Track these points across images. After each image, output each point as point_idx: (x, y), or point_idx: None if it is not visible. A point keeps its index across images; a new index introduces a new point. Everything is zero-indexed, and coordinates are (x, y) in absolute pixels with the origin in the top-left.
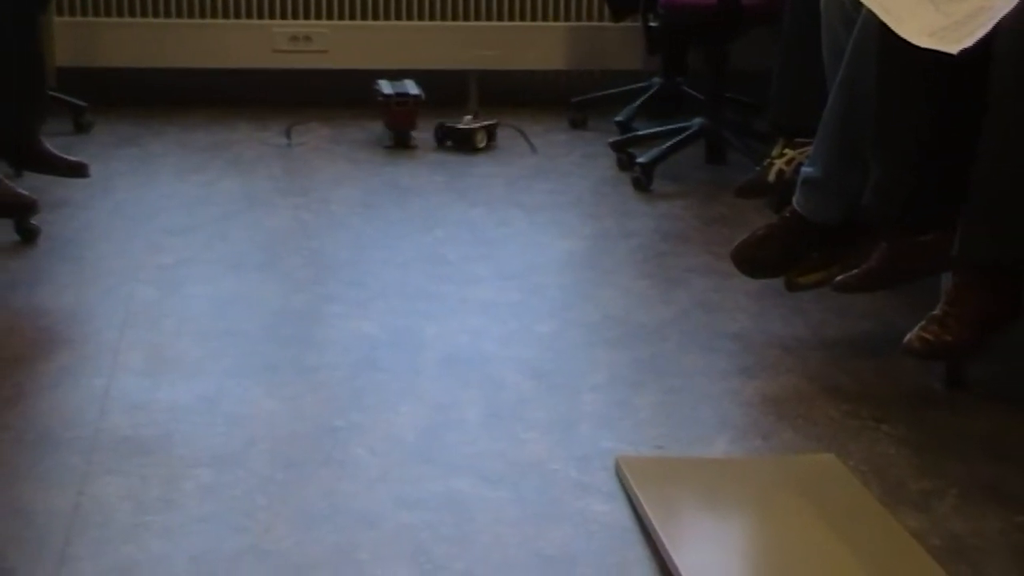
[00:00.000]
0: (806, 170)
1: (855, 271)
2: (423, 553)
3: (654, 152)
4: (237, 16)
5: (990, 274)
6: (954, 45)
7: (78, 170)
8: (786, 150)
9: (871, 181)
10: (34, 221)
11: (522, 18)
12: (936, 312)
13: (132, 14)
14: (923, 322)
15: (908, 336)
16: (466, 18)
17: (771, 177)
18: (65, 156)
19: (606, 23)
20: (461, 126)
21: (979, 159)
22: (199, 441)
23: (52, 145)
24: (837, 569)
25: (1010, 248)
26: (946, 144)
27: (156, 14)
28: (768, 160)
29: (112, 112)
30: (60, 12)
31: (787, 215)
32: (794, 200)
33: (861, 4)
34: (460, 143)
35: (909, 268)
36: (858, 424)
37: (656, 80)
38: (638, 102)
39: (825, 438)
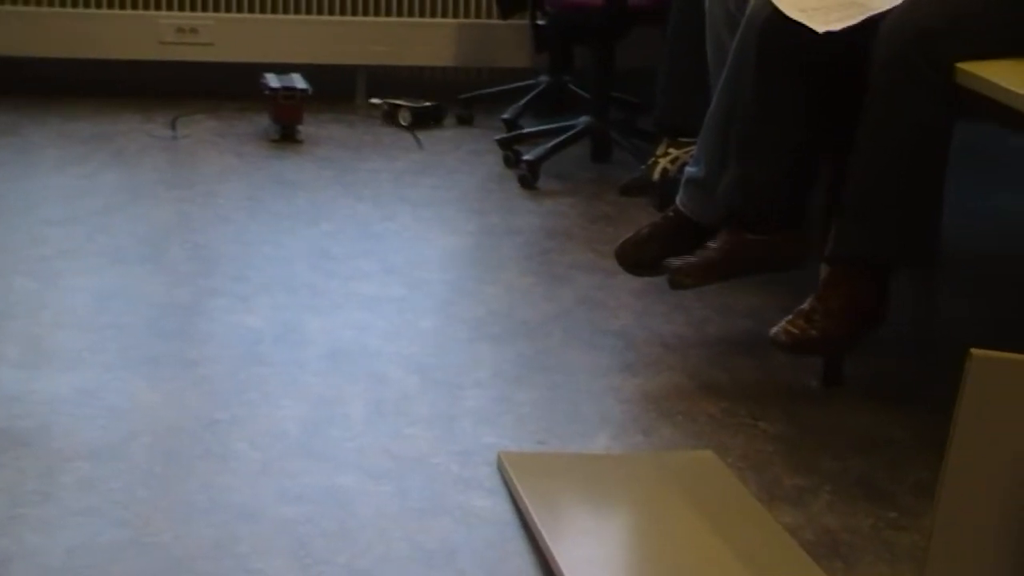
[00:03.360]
0: (689, 170)
1: (693, 259)
2: (303, 547)
3: (540, 150)
4: (123, 7)
5: (860, 272)
6: (821, 25)
7: None
8: (670, 149)
9: (729, 176)
10: None
11: (411, 14)
12: (804, 306)
13: (15, 2)
14: (790, 316)
15: (775, 329)
16: (355, 13)
17: (655, 176)
18: None
19: (494, 20)
20: (396, 101)
21: (853, 159)
22: (77, 434)
23: None
24: (713, 563)
25: (881, 245)
26: (807, 148)
27: (40, 2)
28: (652, 159)
29: None
30: None
31: (671, 214)
32: (677, 199)
33: (743, 5)
34: (387, 116)
35: (747, 264)
36: (736, 421)
37: (543, 78)
38: (525, 100)
39: (704, 435)
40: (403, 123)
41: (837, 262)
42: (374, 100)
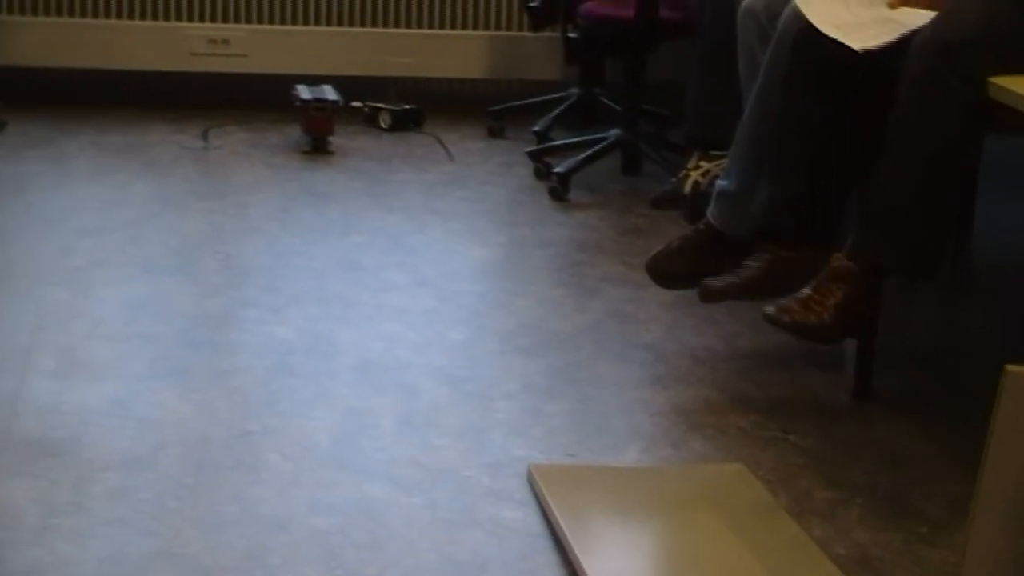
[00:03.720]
0: (721, 183)
1: (731, 278)
2: (334, 558)
3: (571, 162)
4: (155, 18)
5: (866, 276)
6: (857, 42)
7: None
8: (701, 162)
9: (763, 193)
10: None
11: (441, 26)
12: (803, 293)
13: (48, 13)
14: (788, 299)
15: (769, 308)
16: (386, 25)
17: (686, 189)
18: None
19: (525, 33)
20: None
21: (878, 169)
22: (109, 444)
23: None
24: None
25: (899, 256)
26: (838, 165)
27: (73, 13)
28: (684, 172)
29: (26, 112)
30: None
31: (701, 227)
32: (708, 212)
33: (775, 18)
34: (368, 119)
35: (788, 281)
36: (767, 435)
37: (574, 91)
38: (556, 112)
39: (734, 448)
40: (383, 125)
41: (856, 263)
42: (355, 103)
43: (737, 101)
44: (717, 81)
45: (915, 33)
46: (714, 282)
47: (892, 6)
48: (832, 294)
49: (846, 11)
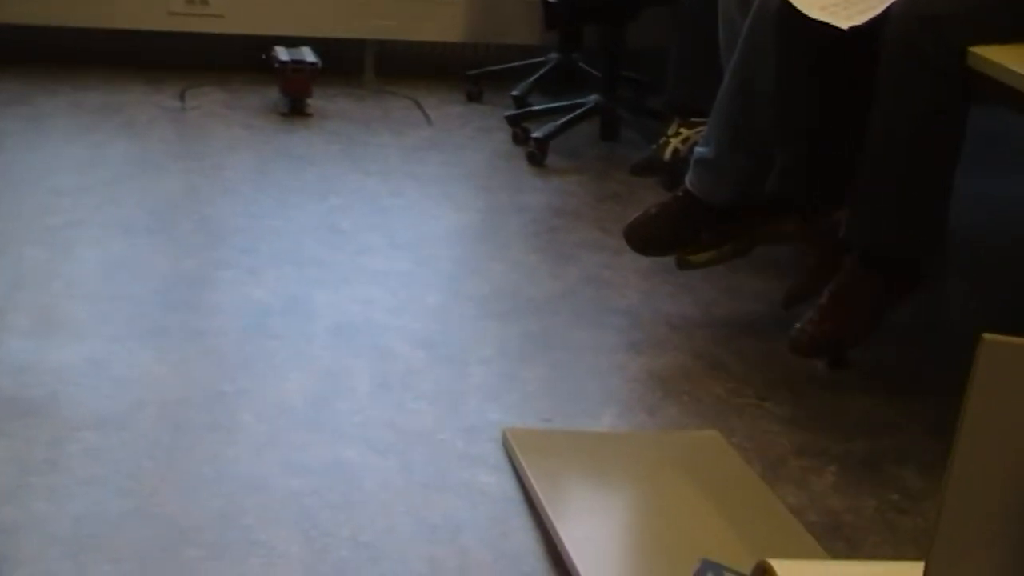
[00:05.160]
0: (699, 150)
1: (803, 279)
2: (308, 519)
3: (549, 127)
4: None
5: (878, 265)
6: (844, 21)
7: None
8: (681, 129)
9: (777, 167)
10: None
11: None
12: (822, 301)
13: None
14: (810, 313)
15: (794, 332)
16: None
17: (666, 156)
18: None
19: None
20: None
21: (864, 144)
22: (85, 403)
23: None
24: (717, 543)
25: (887, 234)
26: (839, 126)
27: None
28: (663, 139)
29: (2, 70)
30: None
31: (679, 194)
32: (687, 179)
33: None
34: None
35: (763, 239)
36: (742, 402)
37: (553, 56)
38: (534, 77)
39: (709, 415)
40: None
41: (848, 250)
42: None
43: (718, 68)
44: (698, 48)
45: (896, 3)
46: (792, 291)
47: None
48: (849, 298)
49: None
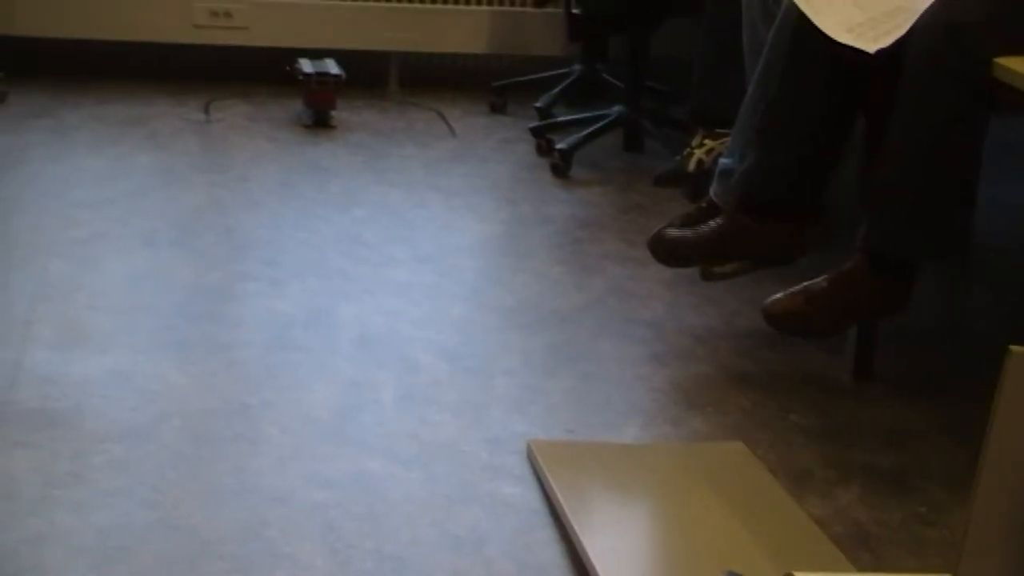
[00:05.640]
0: (724, 161)
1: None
2: (332, 531)
3: (573, 139)
4: None
5: (881, 266)
6: (871, 44)
7: None
8: (705, 140)
9: (747, 163)
10: None
11: (444, 1)
12: (811, 283)
13: None
14: (794, 288)
15: (771, 299)
16: None
17: (690, 167)
18: None
19: (528, 8)
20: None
21: (883, 152)
22: (110, 415)
23: None
24: (742, 555)
25: (909, 239)
26: (826, 142)
27: None
28: (688, 150)
29: (27, 82)
30: None
31: (703, 205)
32: (711, 190)
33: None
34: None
35: (740, 248)
36: (766, 413)
37: (576, 67)
38: (558, 88)
39: (734, 426)
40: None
41: (865, 253)
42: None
43: (742, 79)
44: (721, 58)
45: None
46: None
47: None
48: (844, 291)
49: (853, 6)
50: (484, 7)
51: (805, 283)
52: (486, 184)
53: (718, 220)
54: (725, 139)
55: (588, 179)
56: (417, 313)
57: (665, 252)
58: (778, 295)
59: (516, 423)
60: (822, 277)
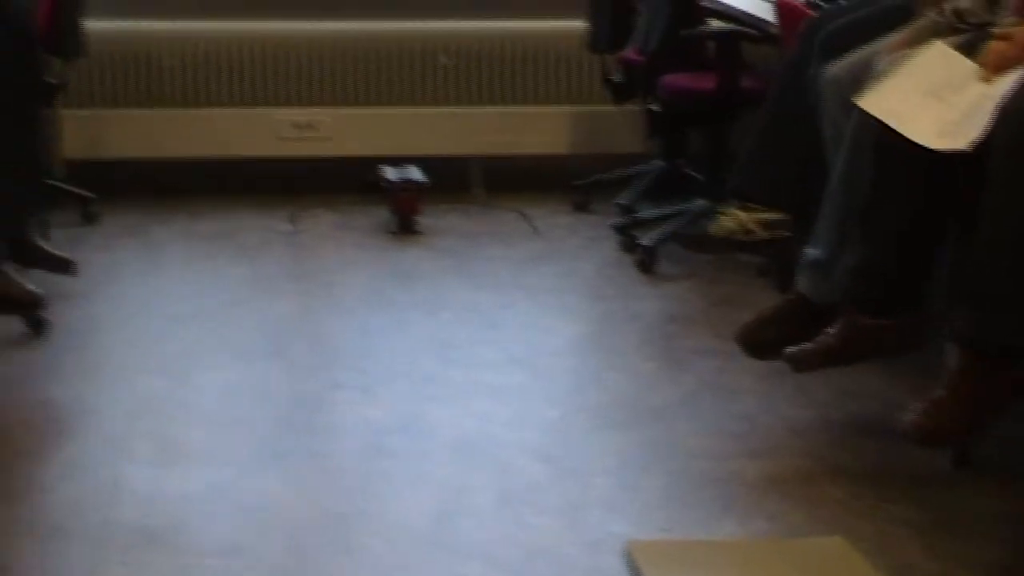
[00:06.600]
0: (810, 252)
1: (810, 345)
2: None
3: (657, 234)
4: (241, 105)
5: (990, 358)
6: (964, 141)
7: (65, 267)
8: (738, 212)
9: (848, 262)
10: (42, 313)
11: (524, 103)
12: (934, 395)
13: (138, 106)
14: (919, 404)
15: (904, 420)
16: (468, 103)
17: (718, 231)
18: (54, 251)
19: (607, 107)
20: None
21: (976, 242)
22: (208, 530)
23: (59, 236)
24: None
25: (1005, 329)
26: (926, 235)
27: (161, 105)
28: (720, 214)
29: (119, 202)
30: (68, 105)
31: (792, 297)
32: (798, 282)
33: (858, 87)
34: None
35: (865, 349)
36: (865, 505)
37: (657, 163)
38: (640, 185)
39: (832, 520)
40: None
41: (963, 346)
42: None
43: (790, 165)
44: (777, 140)
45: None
46: (791, 349)
47: (987, 79)
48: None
49: (941, 105)
50: (563, 107)
51: (928, 398)
52: (573, 283)
53: (839, 326)
54: (756, 213)
55: (674, 274)
56: (510, 415)
57: (754, 344)
58: (908, 414)
59: (614, 523)
60: (938, 388)
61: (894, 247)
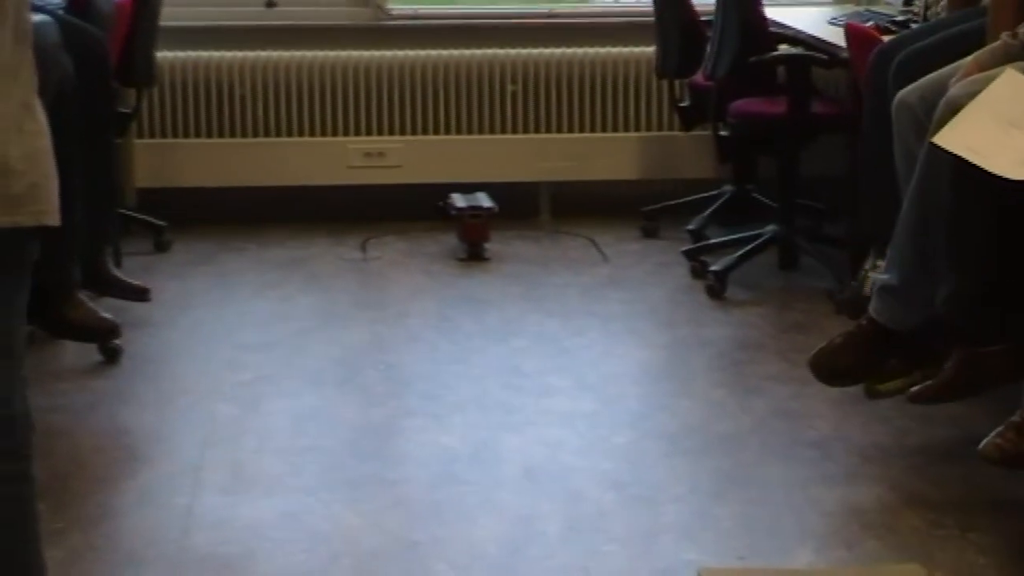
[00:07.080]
0: (882, 277)
1: (931, 383)
2: None
3: (727, 260)
4: (312, 134)
5: None
6: None
7: (138, 294)
8: (878, 262)
9: (944, 293)
10: (116, 341)
11: (592, 129)
12: (1015, 418)
13: (209, 135)
14: (1001, 428)
15: (984, 442)
16: (537, 131)
17: (868, 290)
18: (128, 280)
19: (677, 132)
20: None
21: None
22: (281, 558)
23: (132, 264)
24: None
25: None
26: (1012, 257)
27: (232, 134)
28: (863, 272)
29: (190, 231)
30: (140, 134)
31: (864, 322)
32: (871, 307)
33: (931, 111)
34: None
35: (982, 378)
36: (944, 533)
37: (727, 188)
38: (710, 210)
39: (910, 548)
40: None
41: None
42: None
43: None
44: (881, 177)
45: None
46: (917, 389)
47: None
48: None
49: (1018, 133)
50: (632, 133)
51: (1010, 419)
52: (643, 309)
53: (955, 360)
54: None
55: (745, 300)
56: (580, 442)
57: (828, 371)
58: (989, 438)
59: (686, 551)
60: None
61: (985, 274)
